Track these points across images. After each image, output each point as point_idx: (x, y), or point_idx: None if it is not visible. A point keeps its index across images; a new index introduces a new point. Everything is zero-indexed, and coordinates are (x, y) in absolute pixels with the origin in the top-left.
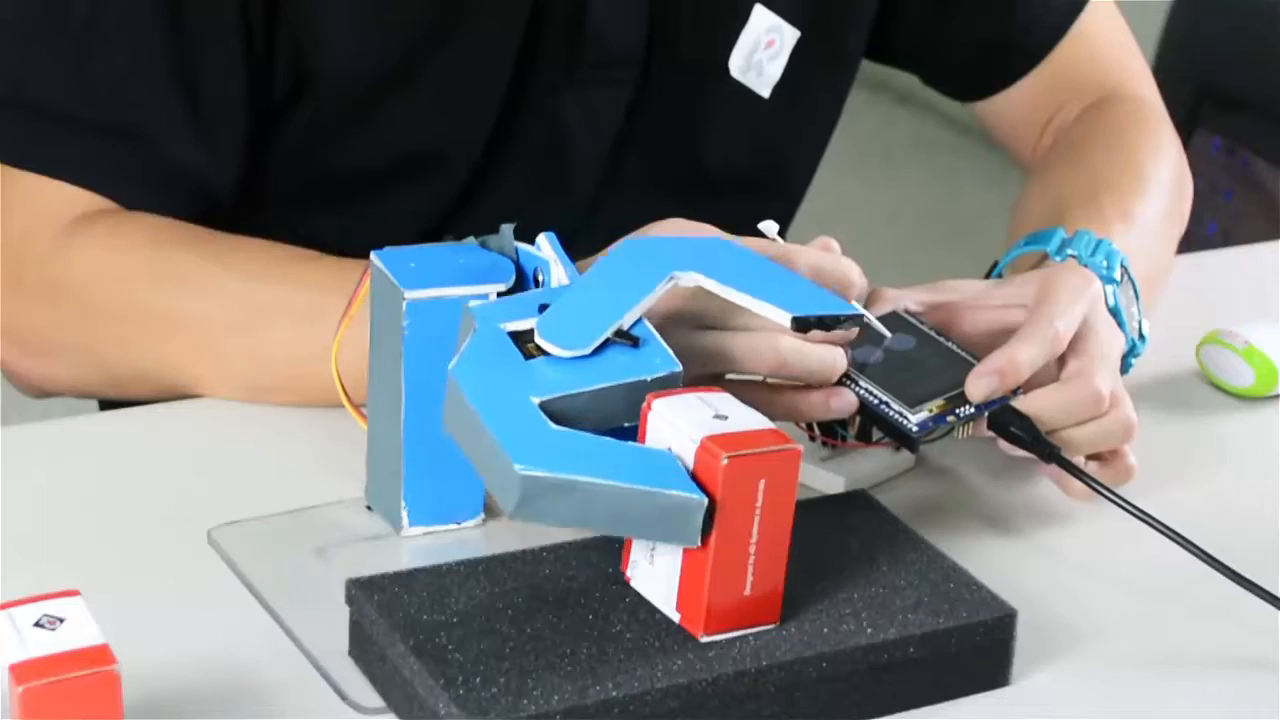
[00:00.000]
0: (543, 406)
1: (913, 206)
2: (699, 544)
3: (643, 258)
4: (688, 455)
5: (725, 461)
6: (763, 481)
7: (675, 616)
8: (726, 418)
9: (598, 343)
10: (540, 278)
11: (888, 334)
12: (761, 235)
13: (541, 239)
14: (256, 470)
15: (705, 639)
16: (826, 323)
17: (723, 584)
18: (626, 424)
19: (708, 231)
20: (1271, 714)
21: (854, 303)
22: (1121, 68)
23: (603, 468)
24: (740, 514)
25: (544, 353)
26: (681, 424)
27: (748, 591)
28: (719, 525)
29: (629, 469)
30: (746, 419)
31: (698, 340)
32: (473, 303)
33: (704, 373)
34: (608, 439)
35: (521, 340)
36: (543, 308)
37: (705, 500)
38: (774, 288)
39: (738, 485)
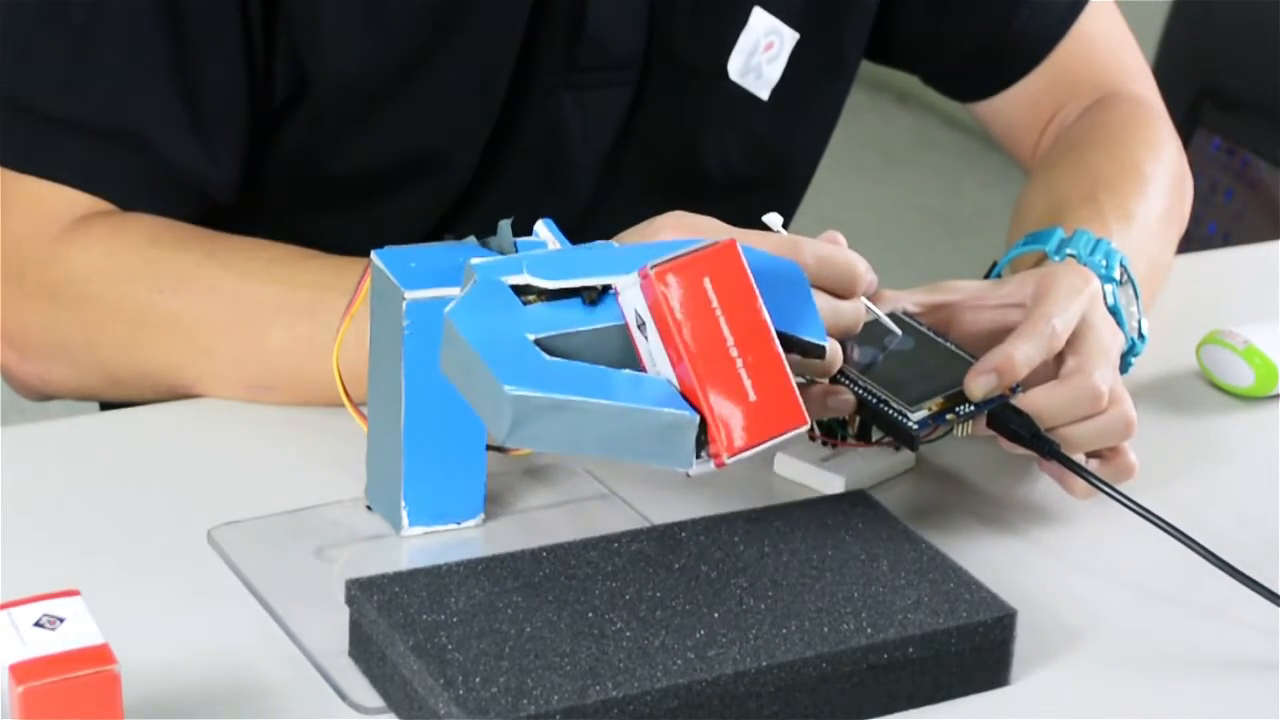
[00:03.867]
0: (539, 343)
1: (913, 206)
2: (693, 465)
3: (651, 249)
4: (640, 301)
5: (653, 271)
6: (707, 280)
7: (709, 462)
8: (675, 249)
9: (580, 283)
10: None
11: (897, 330)
12: (765, 228)
13: (539, 225)
14: (256, 470)
15: (734, 459)
16: (791, 343)
17: (722, 398)
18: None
19: (709, 224)
20: (1271, 714)
21: (860, 297)
22: (1121, 68)
23: (594, 389)
24: (700, 320)
25: (542, 300)
26: (631, 278)
27: (753, 397)
28: (687, 342)
29: (620, 390)
30: (692, 244)
31: None
32: (475, 259)
33: None
34: (599, 367)
35: (522, 292)
36: None
37: (696, 418)
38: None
39: (680, 292)
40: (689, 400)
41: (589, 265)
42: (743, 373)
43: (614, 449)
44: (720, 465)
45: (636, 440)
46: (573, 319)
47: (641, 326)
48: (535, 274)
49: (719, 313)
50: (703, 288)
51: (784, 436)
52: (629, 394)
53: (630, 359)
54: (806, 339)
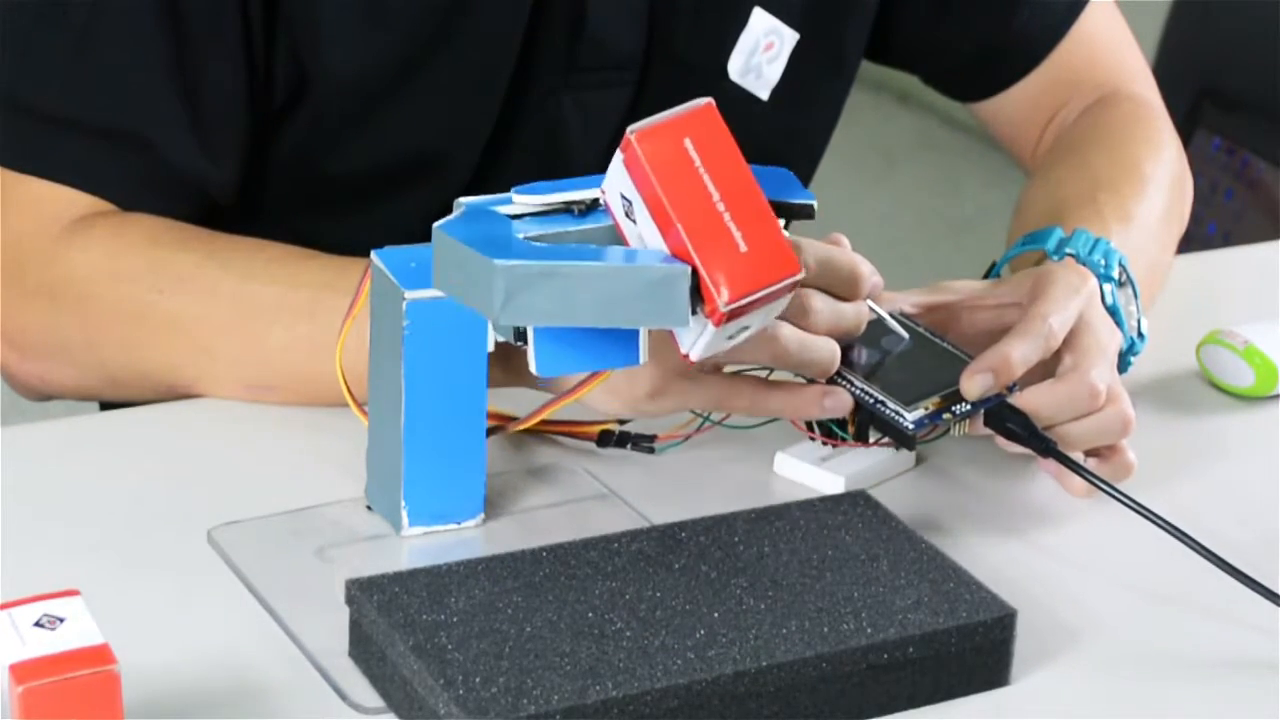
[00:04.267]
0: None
1: (913, 206)
2: (688, 322)
3: None
4: (624, 179)
5: (634, 136)
6: (688, 140)
7: (706, 324)
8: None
9: (566, 198)
10: None
11: (902, 332)
12: None
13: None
14: (256, 470)
15: (730, 305)
16: (780, 208)
17: (712, 253)
18: None
19: None
20: (1271, 714)
21: (865, 300)
22: (1122, 67)
23: (583, 257)
24: (684, 180)
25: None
26: (614, 162)
27: (744, 248)
28: (672, 200)
29: (610, 258)
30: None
31: None
32: (463, 199)
33: (704, 364)
34: (588, 246)
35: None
36: None
37: (688, 269)
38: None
39: (662, 153)
40: (680, 261)
41: (576, 186)
42: (731, 226)
43: (608, 314)
44: (719, 321)
45: (629, 301)
46: (562, 225)
47: (629, 212)
48: (524, 194)
49: (702, 171)
50: (684, 148)
51: (779, 285)
52: (619, 257)
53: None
54: (794, 201)
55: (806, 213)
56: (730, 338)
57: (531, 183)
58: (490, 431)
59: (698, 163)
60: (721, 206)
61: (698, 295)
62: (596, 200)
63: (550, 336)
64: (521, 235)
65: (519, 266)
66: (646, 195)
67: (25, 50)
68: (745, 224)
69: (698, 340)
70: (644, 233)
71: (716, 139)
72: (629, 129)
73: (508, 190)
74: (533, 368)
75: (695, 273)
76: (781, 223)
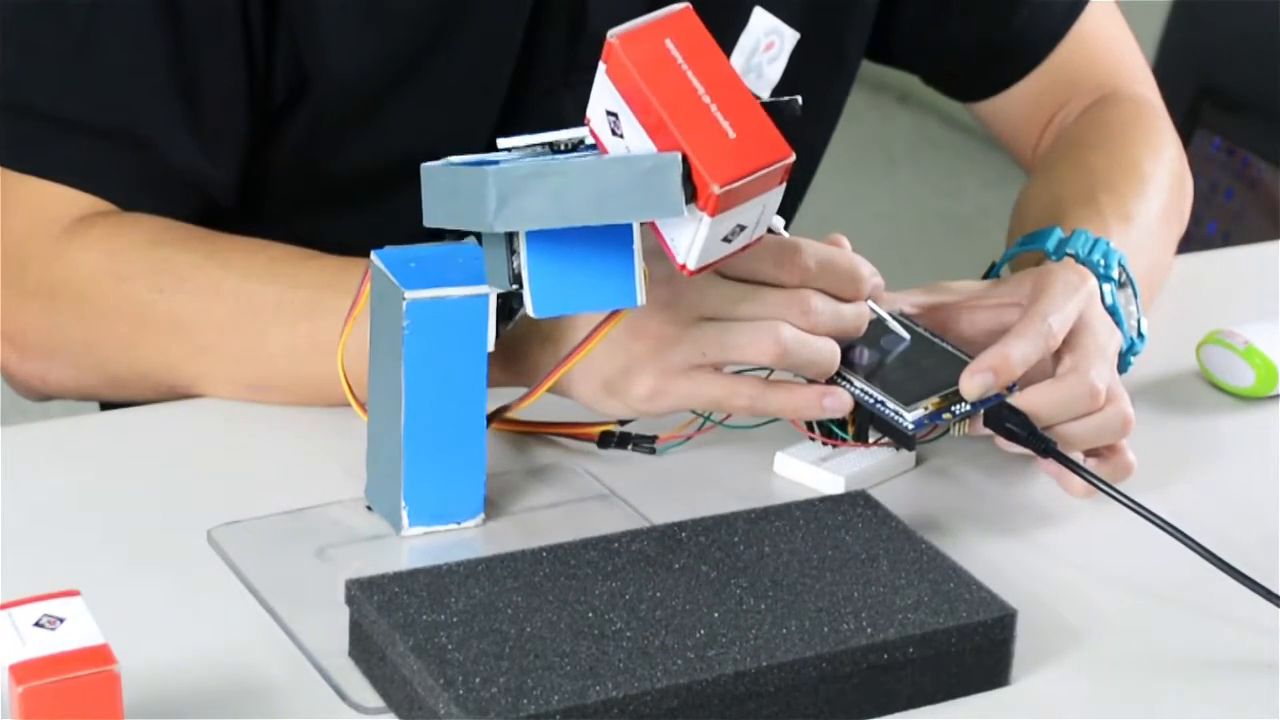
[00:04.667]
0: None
1: (913, 206)
2: (683, 212)
3: None
4: (608, 89)
5: (615, 39)
6: (668, 40)
7: (702, 217)
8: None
9: (550, 138)
10: None
11: (904, 333)
12: (769, 230)
13: None
14: (256, 470)
15: (724, 187)
16: (767, 106)
17: (702, 141)
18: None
19: None
20: (1271, 714)
21: (866, 300)
22: (1122, 68)
23: (573, 158)
24: (666, 75)
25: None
26: (598, 75)
27: (733, 135)
28: (659, 97)
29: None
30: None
31: (698, 330)
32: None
33: (704, 363)
34: (576, 154)
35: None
36: None
37: (679, 156)
38: None
39: (645, 54)
40: (617, 86)
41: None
42: (718, 115)
43: (602, 210)
44: (714, 209)
45: (623, 194)
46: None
47: (616, 129)
48: (507, 138)
49: (685, 67)
50: (665, 48)
51: (770, 168)
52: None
53: None
54: (779, 99)
55: (791, 110)
56: (726, 240)
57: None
58: (492, 416)
59: (680, 60)
60: (707, 99)
61: (690, 186)
62: (582, 140)
63: (546, 274)
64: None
65: (510, 169)
66: (632, 98)
67: (25, 50)
68: (732, 113)
69: (694, 241)
70: (631, 144)
71: (696, 38)
72: (610, 33)
73: None
74: (529, 309)
75: (686, 161)
76: (781, 223)
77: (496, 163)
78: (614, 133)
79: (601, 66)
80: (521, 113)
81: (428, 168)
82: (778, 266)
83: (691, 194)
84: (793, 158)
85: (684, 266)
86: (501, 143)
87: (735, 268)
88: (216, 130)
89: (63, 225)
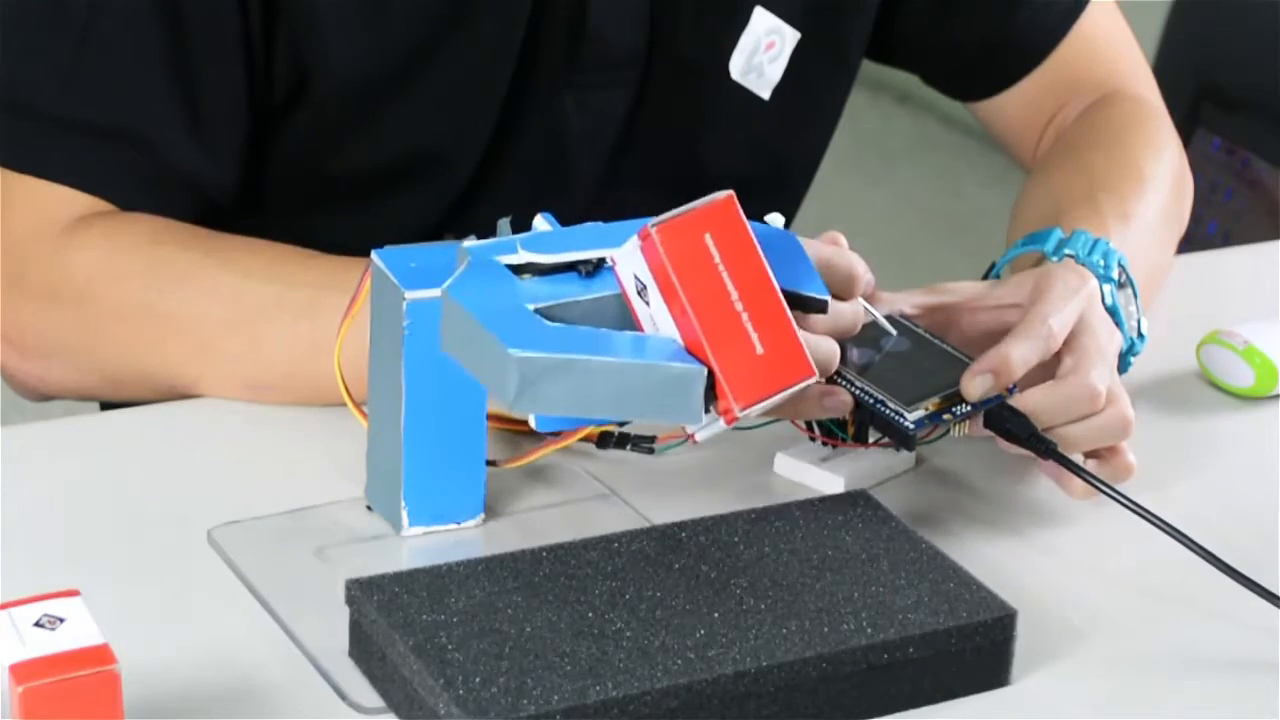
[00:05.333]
0: (538, 313)
1: (913, 206)
2: (701, 420)
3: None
4: (640, 264)
5: (654, 230)
6: (708, 235)
7: (717, 419)
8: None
9: (572, 258)
10: None
11: (893, 331)
12: None
13: (538, 219)
14: (256, 470)
15: (745, 411)
16: (793, 299)
17: (729, 354)
18: None
19: None
20: (1271, 714)
21: (859, 299)
22: (1122, 68)
23: (599, 348)
24: (704, 277)
25: (538, 275)
26: (629, 245)
27: (760, 350)
28: (691, 298)
29: (625, 348)
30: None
31: None
32: (468, 243)
33: None
34: (602, 329)
35: (517, 272)
36: None
37: (704, 370)
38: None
39: (682, 249)
40: (695, 356)
41: (583, 241)
42: (748, 326)
43: (622, 408)
44: (730, 421)
45: (644, 397)
46: (570, 291)
47: (642, 292)
48: (530, 250)
49: (721, 268)
50: (704, 244)
51: (793, 389)
52: (635, 351)
53: (629, 328)
54: (808, 294)
55: (818, 307)
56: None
57: (539, 209)
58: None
59: (717, 259)
60: (740, 306)
61: (711, 392)
62: (603, 260)
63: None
64: (530, 305)
65: (536, 359)
66: (664, 287)
67: (25, 50)
68: (762, 324)
69: (707, 428)
70: (656, 316)
71: (736, 233)
72: (650, 223)
73: (509, 191)
74: (532, 423)
75: (711, 372)
76: (780, 220)
77: (519, 310)
78: (641, 296)
79: (636, 241)
80: (522, 113)
81: (448, 297)
82: None
83: (712, 397)
84: (816, 377)
85: (692, 437)
86: (523, 251)
87: None
88: (216, 130)
89: (62, 225)
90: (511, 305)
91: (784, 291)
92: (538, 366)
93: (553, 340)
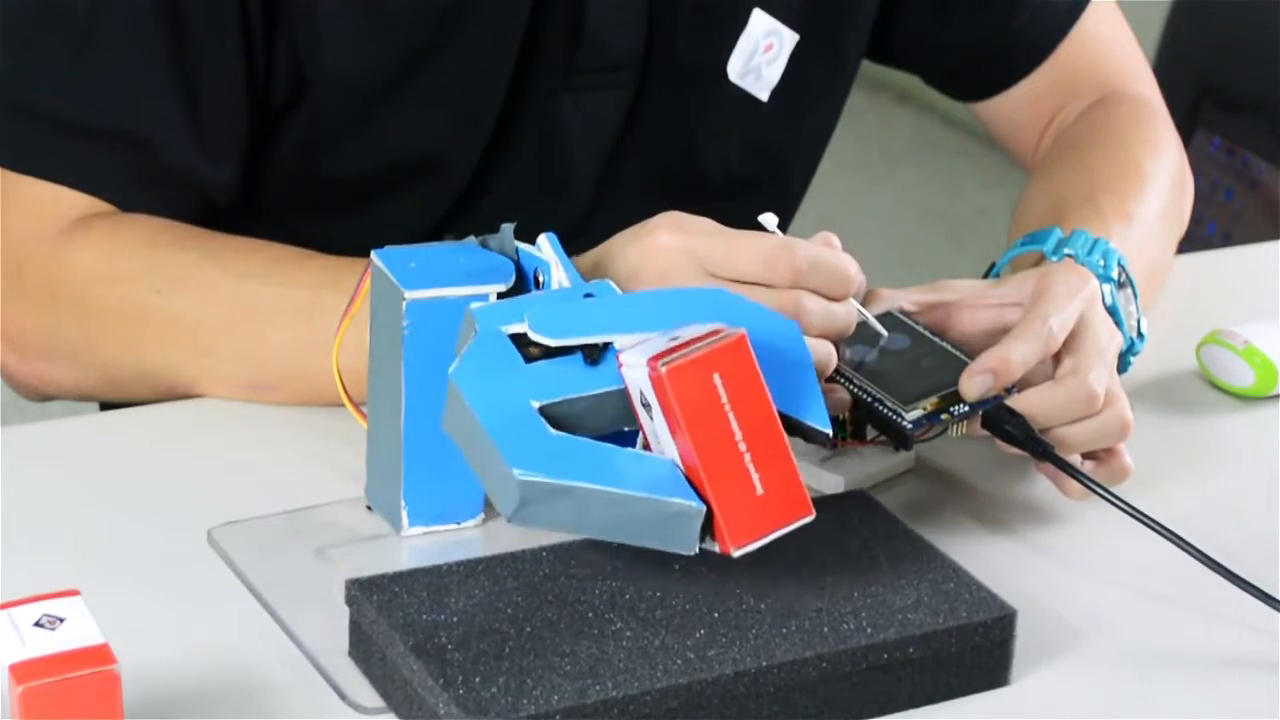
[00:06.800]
0: (542, 411)
1: (913, 206)
2: (695, 550)
3: (663, 302)
4: (646, 385)
5: (663, 370)
6: (717, 376)
7: (712, 545)
8: (678, 337)
9: (578, 341)
10: (541, 279)
11: (884, 332)
12: (761, 228)
13: (542, 240)
14: (256, 470)
15: (740, 551)
16: (794, 426)
17: (729, 494)
18: (626, 429)
19: (704, 225)
20: (1271, 714)
21: (850, 300)
22: (1122, 68)
23: (601, 473)
24: (710, 417)
25: (544, 355)
26: (637, 360)
27: (760, 491)
28: (695, 437)
29: (627, 475)
30: (697, 330)
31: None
32: (474, 305)
33: None
34: (606, 445)
35: (522, 343)
36: None
37: (703, 508)
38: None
39: (690, 389)
40: (693, 482)
41: (590, 321)
42: (750, 467)
43: (618, 532)
44: (725, 553)
45: (641, 526)
46: (574, 381)
47: (646, 406)
48: (537, 330)
49: (728, 407)
50: (712, 384)
51: (790, 528)
52: (635, 478)
53: (631, 418)
54: (810, 424)
55: (820, 439)
56: None
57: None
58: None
59: (724, 399)
60: (743, 446)
61: (709, 524)
62: (609, 344)
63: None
64: (535, 404)
65: (539, 483)
66: (670, 419)
67: (25, 50)
68: (764, 464)
69: (704, 548)
70: (659, 431)
71: (745, 373)
72: (660, 363)
73: (508, 192)
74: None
75: (709, 506)
76: (774, 221)
77: (525, 412)
78: (645, 408)
79: (645, 370)
80: (521, 114)
81: (453, 382)
82: (769, 267)
83: (710, 530)
84: (813, 515)
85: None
86: (532, 333)
87: (727, 269)
88: (216, 131)
89: (61, 226)
90: (516, 407)
91: (785, 416)
92: (539, 490)
93: (556, 459)
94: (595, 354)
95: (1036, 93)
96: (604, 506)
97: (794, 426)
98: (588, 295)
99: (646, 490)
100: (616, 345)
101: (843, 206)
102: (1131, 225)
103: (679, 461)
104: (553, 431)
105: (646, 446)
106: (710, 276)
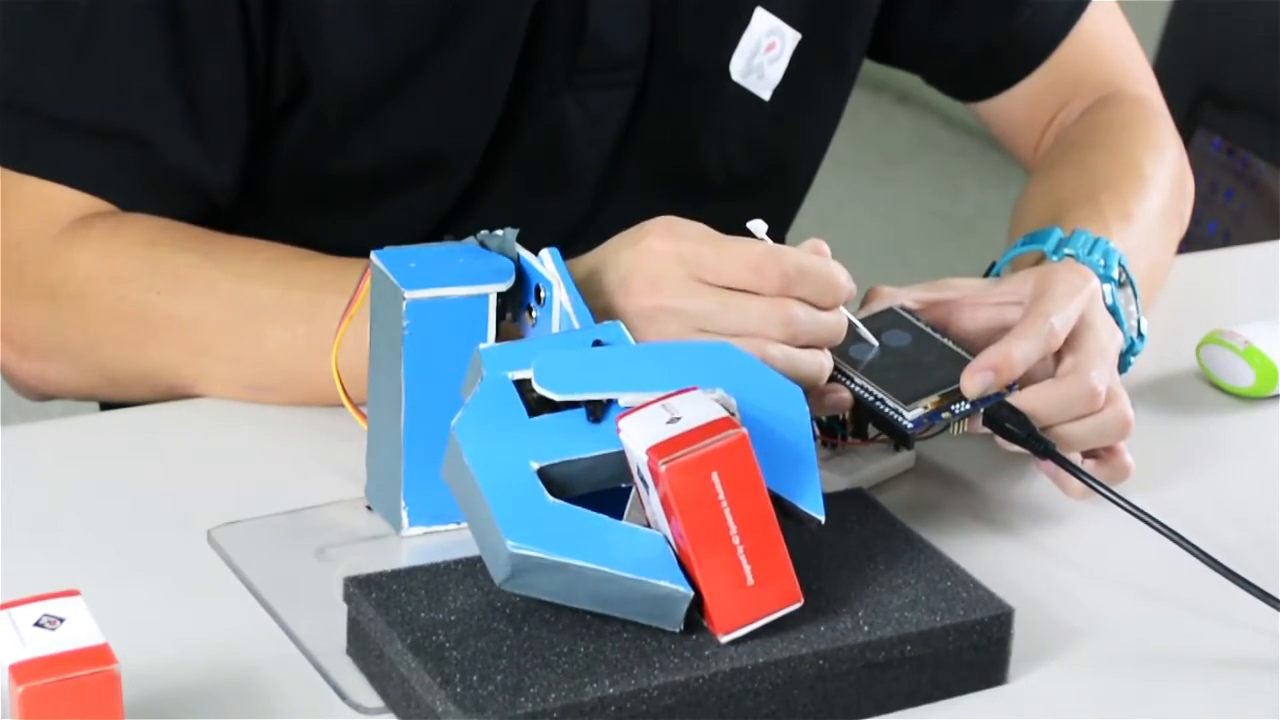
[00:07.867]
0: (541, 472)
1: (913, 206)
2: (680, 628)
3: (670, 359)
4: (644, 468)
5: (663, 468)
6: (715, 474)
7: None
8: (679, 419)
9: (585, 397)
10: (542, 294)
11: (874, 342)
12: (750, 235)
13: (545, 255)
14: (256, 470)
15: (727, 637)
16: (788, 510)
17: (720, 584)
18: (624, 484)
19: (698, 230)
20: (1271, 714)
21: (841, 309)
22: (1123, 68)
23: (593, 551)
24: (706, 512)
25: (547, 406)
26: (638, 439)
27: (751, 582)
28: (690, 530)
29: (619, 554)
30: (699, 414)
31: (687, 340)
32: (483, 346)
33: None
34: (601, 518)
35: (527, 389)
36: None
37: (690, 593)
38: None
39: (688, 486)
40: (683, 563)
41: (596, 376)
42: (743, 559)
43: (606, 606)
44: (716, 634)
45: (629, 603)
46: (575, 441)
47: (645, 484)
48: (543, 384)
49: (724, 504)
50: (710, 482)
51: (778, 614)
52: (626, 558)
53: (628, 475)
54: (804, 510)
55: (810, 523)
56: None
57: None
58: None
59: (721, 496)
60: (737, 540)
61: (698, 605)
62: (614, 401)
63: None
64: (534, 466)
65: (531, 557)
66: (666, 508)
67: (25, 50)
68: (756, 555)
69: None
70: (654, 510)
71: (744, 471)
72: (660, 461)
73: (509, 191)
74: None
75: (698, 591)
76: (763, 228)
77: (525, 478)
78: (642, 480)
79: (645, 456)
80: (523, 114)
81: (455, 436)
82: (757, 274)
83: (699, 610)
84: (801, 602)
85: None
86: (537, 385)
87: (715, 275)
88: (216, 131)
89: (61, 226)
90: (515, 469)
91: (777, 497)
92: (531, 562)
93: (550, 532)
94: (599, 411)
95: (1037, 92)
96: (594, 583)
97: (787, 510)
98: (596, 342)
99: (637, 572)
100: (621, 403)
101: (843, 206)
102: (1132, 225)
103: (671, 540)
104: (549, 500)
105: (640, 501)
106: (699, 282)
